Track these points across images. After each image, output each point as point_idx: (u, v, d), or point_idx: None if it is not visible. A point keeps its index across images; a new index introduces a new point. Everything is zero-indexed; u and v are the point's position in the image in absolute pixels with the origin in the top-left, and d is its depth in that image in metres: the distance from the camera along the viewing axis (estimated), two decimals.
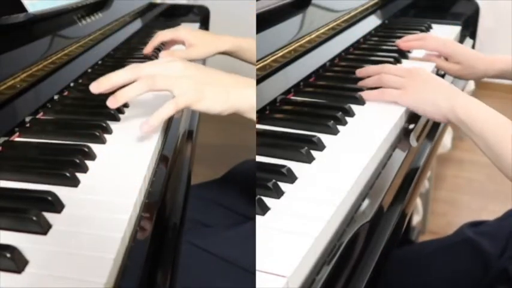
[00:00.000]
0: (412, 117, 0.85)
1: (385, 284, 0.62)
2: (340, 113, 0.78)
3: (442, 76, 1.04)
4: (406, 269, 0.94)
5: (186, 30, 1.11)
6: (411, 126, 0.83)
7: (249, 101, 0.72)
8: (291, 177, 0.62)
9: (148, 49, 1.09)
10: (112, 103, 0.69)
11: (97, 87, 0.69)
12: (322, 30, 1.01)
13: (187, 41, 1.07)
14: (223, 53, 1.11)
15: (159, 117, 0.68)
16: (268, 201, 0.58)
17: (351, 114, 0.80)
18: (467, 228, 0.98)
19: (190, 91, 0.69)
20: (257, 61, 0.81)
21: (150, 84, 0.68)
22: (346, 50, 1.10)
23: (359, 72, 0.92)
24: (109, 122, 0.76)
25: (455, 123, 0.77)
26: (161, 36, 1.09)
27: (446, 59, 1.05)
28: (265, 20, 0.86)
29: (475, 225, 0.99)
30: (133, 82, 0.69)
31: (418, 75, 0.83)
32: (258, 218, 0.55)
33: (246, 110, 0.72)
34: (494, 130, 0.72)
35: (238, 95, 0.72)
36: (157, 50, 1.16)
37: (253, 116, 0.73)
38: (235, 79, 0.74)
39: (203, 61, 1.26)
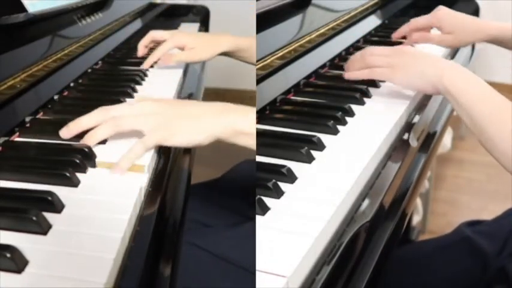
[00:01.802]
0: (411, 120, 0.85)
1: (384, 283, 0.62)
2: (340, 113, 0.78)
3: None
4: (405, 269, 0.94)
5: (184, 35, 1.11)
6: (411, 125, 0.83)
7: (227, 127, 0.69)
8: (291, 177, 0.62)
9: (147, 64, 1.08)
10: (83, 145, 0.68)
11: (67, 132, 0.69)
12: (322, 30, 1.01)
13: (186, 44, 1.08)
14: (223, 54, 1.11)
15: (129, 160, 0.65)
16: (268, 201, 0.58)
17: (351, 114, 0.80)
18: (465, 227, 0.98)
19: (160, 128, 0.68)
20: (257, 61, 0.81)
21: (116, 125, 0.68)
22: (346, 50, 1.10)
23: (347, 69, 0.91)
24: None
25: (444, 94, 0.77)
26: (162, 47, 1.08)
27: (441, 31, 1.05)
28: (265, 20, 0.86)
29: (473, 224, 0.99)
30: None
31: (404, 52, 0.83)
32: (258, 218, 0.55)
33: (227, 136, 0.69)
34: (482, 105, 0.72)
35: (214, 123, 0.69)
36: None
37: (238, 140, 0.70)
38: (210, 108, 0.72)
39: (202, 67, 1.27)
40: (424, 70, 0.79)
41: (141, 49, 1.12)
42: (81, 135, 0.69)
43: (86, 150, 0.67)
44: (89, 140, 0.68)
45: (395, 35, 1.11)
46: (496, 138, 0.69)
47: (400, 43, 1.12)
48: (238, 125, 0.69)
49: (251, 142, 0.70)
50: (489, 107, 0.71)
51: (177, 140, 0.68)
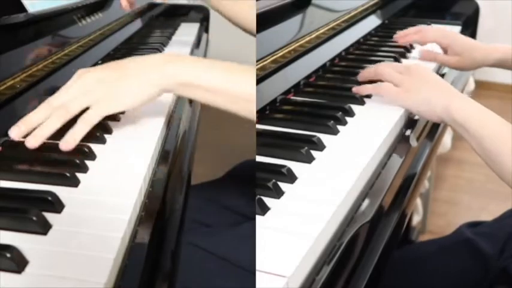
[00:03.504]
0: (412, 117, 0.85)
1: (384, 284, 0.62)
2: (340, 113, 0.78)
3: (442, 76, 1.04)
4: (405, 270, 0.94)
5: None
6: (411, 126, 0.83)
7: (170, 78, 0.67)
8: (291, 177, 0.62)
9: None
10: (31, 144, 0.65)
11: (17, 131, 0.66)
12: (322, 30, 1.01)
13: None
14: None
15: (74, 139, 0.65)
16: (268, 201, 0.58)
17: (351, 114, 0.80)
18: (465, 229, 0.98)
19: (103, 98, 0.66)
20: (257, 61, 0.81)
21: (63, 114, 0.66)
22: (346, 50, 1.10)
23: (359, 77, 0.91)
24: (109, 122, 0.76)
25: (449, 124, 0.77)
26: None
27: (445, 51, 1.05)
28: (265, 20, 0.86)
29: (473, 225, 0.99)
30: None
31: (417, 73, 0.82)
32: (258, 218, 0.55)
33: (172, 88, 0.68)
34: (489, 132, 0.72)
35: (156, 77, 0.67)
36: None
37: (187, 93, 0.68)
38: (151, 60, 0.70)
39: (203, 56, 1.26)
40: (431, 98, 0.78)
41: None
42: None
43: (86, 150, 0.67)
44: (39, 136, 0.65)
45: (399, 37, 1.10)
46: (504, 163, 0.70)
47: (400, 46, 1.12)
48: (184, 76, 0.67)
49: (203, 95, 0.68)
50: (498, 133, 0.71)
51: (122, 105, 0.68)
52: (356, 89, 0.87)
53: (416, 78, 0.81)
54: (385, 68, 0.86)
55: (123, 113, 0.82)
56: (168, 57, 0.70)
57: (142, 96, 0.68)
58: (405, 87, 0.81)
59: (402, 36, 1.08)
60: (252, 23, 0.91)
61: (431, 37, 1.06)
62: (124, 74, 0.69)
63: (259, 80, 0.81)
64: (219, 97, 0.68)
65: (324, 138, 0.72)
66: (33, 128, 0.66)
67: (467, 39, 1.06)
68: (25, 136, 0.66)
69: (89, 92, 0.67)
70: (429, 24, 1.35)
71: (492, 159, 0.71)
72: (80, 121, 0.66)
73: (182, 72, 0.67)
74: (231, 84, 0.68)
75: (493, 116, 0.74)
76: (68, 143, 0.64)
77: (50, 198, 0.55)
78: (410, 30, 1.09)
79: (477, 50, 1.03)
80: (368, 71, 0.89)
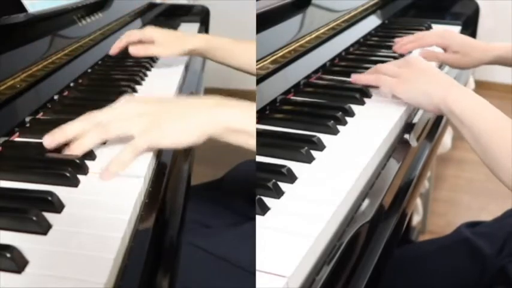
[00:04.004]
0: (412, 118, 0.85)
1: (384, 284, 0.62)
2: (340, 113, 0.78)
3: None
4: (405, 269, 0.94)
5: (153, 29, 1.11)
6: (411, 127, 0.83)
7: (219, 124, 0.66)
8: (291, 177, 0.62)
9: (114, 50, 1.09)
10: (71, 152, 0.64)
11: (52, 140, 0.65)
12: (322, 30, 1.01)
13: (155, 39, 1.08)
14: (194, 53, 1.11)
15: (119, 164, 0.63)
16: (268, 201, 0.58)
17: (351, 114, 0.80)
18: (464, 229, 0.98)
19: (149, 130, 0.64)
20: (257, 61, 0.81)
21: (102, 133, 0.65)
22: (346, 50, 1.10)
23: (355, 79, 0.91)
24: None
25: (446, 115, 0.76)
26: (128, 37, 1.09)
27: (445, 50, 1.05)
28: (265, 20, 0.86)
29: (472, 225, 0.99)
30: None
31: (415, 65, 0.82)
32: (258, 218, 0.55)
33: (219, 134, 0.66)
34: (486, 126, 0.71)
35: (205, 121, 0.65)
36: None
37: (232, 139, 0.66)
38: (201, 103, 0.68)
39: (203, 61, 1.26)
40: (428, 89, 0.78)
41: (115, 50, 1.10)
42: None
43: None
44: (75, 150, 0.64)
45: (397, 48, 1.09)
46: (499, 158, 0.69)
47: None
48: (232, 123, 0.66)
49: (247, 141, 0.66)
50: (493, 127, 0.71)
51: (168, 142, 0.66)
52: (354, 78, 0.88)
53: (415, 69, 0.82)
54: (384, 64, 0.87)
55: None
56: (216, 101, 0.68)
57: (187, 137, 0.65)
58: (403, 78, 0.82)
59: (400, 46, 1.08)
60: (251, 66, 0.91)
61: (430, 43, 1.07)
62: (171, 112, 0.67)
63: (259, 80, 0.81)
64: (249, 138, 0.67)
65: (324, 138, 0.72)
66: (68, 139, 0.65)
67: (466, 38, 1.06)
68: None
69: (133, 120, 0.65)
70: (429, 25, 1.34)
71: (488, 155, 0.70)
72: (128, 147, 0.64)
73: (231, 118, 0.66)
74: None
75: (492, 109, 0.73)
76: (116, 166, 0.62)
77: (50, 198, 0.55)
78: (408, 38, 1.09)
79: (476, 47, 1.03)
80: (368, 71, 0.90)
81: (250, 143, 0.67)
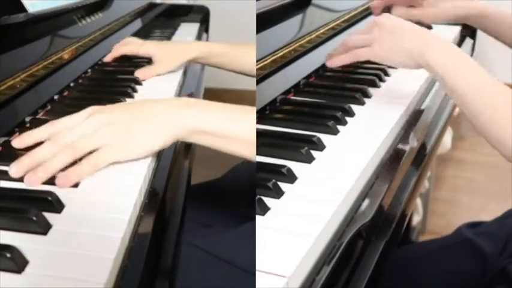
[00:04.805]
0: (412, 117, 0.85)
1: (385, 284, 0.62)
2: (340, 113, 0.78)
3: None
4: (405, 270, 0.94)
5: (151, 45, 1.12)
6: (411, 125, 0.83)
7: (184, 125, 0.65)
8: (291, 177, 0.62)
9: (109, 59, 1.10)
10: (33, 180, 0.60)
11: (18, 169, 0.61)
12: (322, 30, 1.01)
13: (153, 56, 1.08)
14: (195, 61, 1.12)
15: (77, 176, 0.61)
16: (268, 201, 0.58)
17: (351, 114, 0.80)
18: (465, 229, 0.98)
19: (114, 143, 0.63)
20: (257, 61, 0.81)
21: (71, 153, 0.62)
22: None
23: (329, 57, 0.89)
24: None
25: (427, 69, 0.76)
26: (124, 49, 1.10)
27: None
28: (265, 20, 0.86)
29: (473, 226, 0.99)
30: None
31: (383, 26, 0.80)
32: (258, 218, 0.55)
33: (184, 135, 0.65)
34: (467, 84, 0.70)
35: (170, 124, 0.65)
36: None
37: (198, 140, 0.66)
38: (165, 106, 0.67)
39: (202, 67, 1.26)
40: (405, 46, 0.76)
41: (109, 59, 1.12)
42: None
43: None
44: (45, 172, 0.61)
45: (374, 4, 1.07)
46: (481, 115, 0.69)
47: None
48: (197, 124, 0.65)
49: (214, 142, 0.65)
50: (480, 91, 0.70)
51: (132, 154, 0.64)
52: (329, 63, 0.86)
53: (383, 29, 0.80)
54: (351, 37, 0.84)
55: None
56: (181, 103, 0.68)
57: (153, 146, 0.65)
58: (377, 43, 0.80)
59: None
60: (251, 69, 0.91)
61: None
62: (137, 119, 0.65)
63: (259, 80, 0.81)
64: (227, 142, 0.66)
65: (324, 138, 0.72)
66: (36, 164, 0.62)
67: None
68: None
69: (98, 134, 0.64)
70: (429, 25, 1.34)
71: (472, 114, 0.70)
72: (86, 162, 0.62)
73: (197, 120, 0.65)
74: (240, 130, 0.66)
75: (474, 67, 0.72)
76: (68, 179, 0.60)
77: (50, 198, 0.55)
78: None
79: None
80: (337, 51, 0.87)
81: (217, 143, 0.66)
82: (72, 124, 0.66)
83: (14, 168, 0.61)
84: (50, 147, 0.63)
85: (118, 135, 0.64)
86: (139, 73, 1.05)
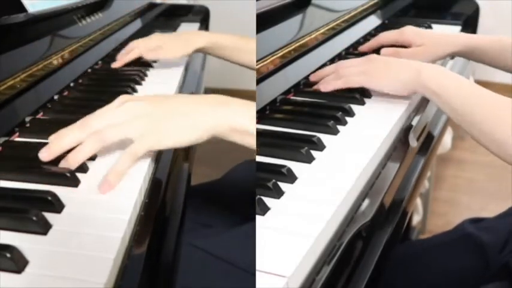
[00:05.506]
0: (412, 117, 0.85)
1: (386, 280, 0.62)
2: (340, 113, 0.78)
3: None
4: (406, 266, 0.94)
5: (158, 37, 1.13)
6: (411, 125, 0.83)
7: (224, 122, 0.63)
8: (291, 177, 0.62)
9: (117, 64, 1.09)
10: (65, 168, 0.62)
11: (48, 153, 0.62)
12: (322, 30, 1.01)
13: (161, 44, 1.10)
14: (201, 51, 1.13)
15: (118, 173, 0.60)
16: (268, 201, 0.58)
17: (351, 114, 0.80)
18: (468, 224, 0.97)
19: (148, 132, 0.62)
20: (257, 61, 0.81)
21: (99, 140, 0.62)
22: (346, 50, 1.10)
23: (313, 76, 0.91)
24: None
25: (424, 94, 0.79)
26: (132, 49, 1.10)
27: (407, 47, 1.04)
28: (265, 20, 0.86)
29: (476, 221, 0.99)
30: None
31: (377, 60, 0.85)
32: (258, 218, 0.55)
33: (223, 133, 0.64)
34: (464, 97, 0.73)
35: (208, 119, 0.63)
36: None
37: (237, 138, 0.64)
38: (203, 101, 0.66)
39: (203, 61, 1.26)
40: (398, 73, 0.81)
41: (118, 64, 1.10)
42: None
43: None
44: (71, 162, 0.62)
45: (363, 48, 1.09)
46: (481, 124, 0.71)
47: None
48: (237, 121, 0.64)
49: (251, 141, 0.65)
50: (472, 100, 0.73)
51: (168, 143, 0.63)
52: (322, 87, 0.87)
53: (377, 62, 0.84)
54: (345, 66, 0.87)
55: None
56: (220, 100, 0.66)
57: (190, 137, 0.63)
58: (371, 73, 0.84)
59: (365, 46, 1.03)
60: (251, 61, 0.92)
61: (392, 36, 1.06)
62: (171, 111, 0.64)
63: (259, 80, 0.81)
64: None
65: (324, 138, 0.72)
66: (65, 150, 0.63)
67: (425, 30, 1.07)
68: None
69: (130, 124, 0.62)
70: (429, 25, 1.34)
71: (470, 124, 0.73)
72: (125, 154, 0.61)
73: (235, 117, 0.64)
74: None
75: (464, 81, 0.75)
76: (115, 176, 0.60)
77: (50, 198, 0.55)
78: (368, 43, 1.08)
79: (437, 37, 1.04)
80: (329, 78, 0.88)
81: (251, 142, 0.66)
82: (102, 113, 0.65)
83: (44, 154, 0.62)
84: (78, 133, 0.63)
85: (152, 127, 0.63)
86: (147, 54, 1.07)
